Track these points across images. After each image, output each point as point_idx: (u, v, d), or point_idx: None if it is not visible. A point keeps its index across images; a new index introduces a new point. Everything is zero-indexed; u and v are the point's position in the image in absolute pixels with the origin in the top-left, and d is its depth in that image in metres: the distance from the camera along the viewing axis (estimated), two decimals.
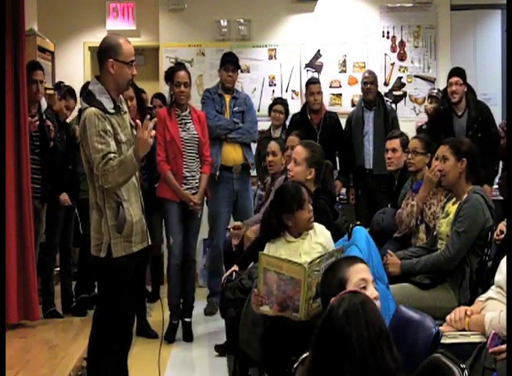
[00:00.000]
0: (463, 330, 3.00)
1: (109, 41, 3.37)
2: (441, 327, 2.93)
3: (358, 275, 2.24)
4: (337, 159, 6.30)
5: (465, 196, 3.70)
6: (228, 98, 5.79)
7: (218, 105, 5.73)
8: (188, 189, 5.09)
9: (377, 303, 2.14)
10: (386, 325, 1.89)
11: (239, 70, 5.92)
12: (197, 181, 5.14)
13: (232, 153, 5.74)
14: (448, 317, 3.09)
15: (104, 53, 3.35)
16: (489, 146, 5.43)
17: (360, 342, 1.81)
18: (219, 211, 5.77)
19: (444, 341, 2.78)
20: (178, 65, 5.40)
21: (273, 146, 5.24)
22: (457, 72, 5.70)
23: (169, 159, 5.06)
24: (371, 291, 2.22)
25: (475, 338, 2.89)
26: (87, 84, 4.88)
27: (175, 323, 5.17)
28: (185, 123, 5.13)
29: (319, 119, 6.16)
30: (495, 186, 6.17)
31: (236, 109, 5.77)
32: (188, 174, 5.10)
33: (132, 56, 3.39)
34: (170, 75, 5.16)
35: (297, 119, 6.30)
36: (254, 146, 6.16)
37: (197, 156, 5.15)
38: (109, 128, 3.28)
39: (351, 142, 6.26)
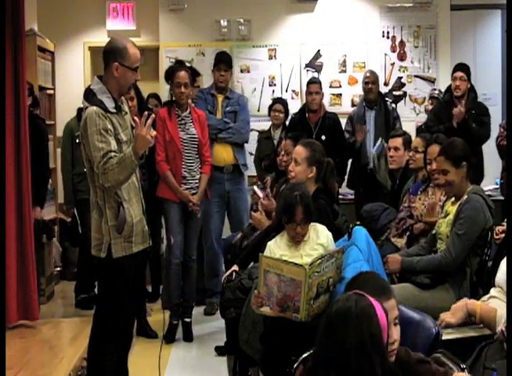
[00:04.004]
0: (464, 323, 3.01)
1: (117, 44, 3.34)
2: (441, 314, 3.01)
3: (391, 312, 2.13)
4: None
5: (465, 196, 3.69)
6: (220, 98, 5.78)
7: (209, 105, 5.72)
8: (187, 189, 5.08)
9: (395, 345, 2.11)
10: (382, 333, 1.88)
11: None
12: (197, 181, 5.13)
13: (223, 154, 5.72)
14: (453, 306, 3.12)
15: (110, 55, 3.34)
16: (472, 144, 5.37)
17: (346, 342, 1.81)
18: (210, 212, 5.71)
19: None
20: (179, 64, 5.39)
21: (288, 144, 5.14)
22: (462, 67, 5.70)
23: (168, 159, 5.05)
24: (397, 332, 2.15)
25: (471, 333, 2.90)
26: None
27: (175, 323, 5.16)
28: (185, 123, 5.12)
29: (317, 119, 6.14)
30: (496, 186, 6.18)
31: (228, 109, 5.75)
32: (187, 174, 5.09)
33: (138, 61, 3.37)
34: (170, 75, 5.15)
35: (297, 118, 6.30)
36: (249, 146, 6.13)
37: (197, 156, 5.14)
38: (110, 127, 3.27)
39: (352, 142, 6.25)
